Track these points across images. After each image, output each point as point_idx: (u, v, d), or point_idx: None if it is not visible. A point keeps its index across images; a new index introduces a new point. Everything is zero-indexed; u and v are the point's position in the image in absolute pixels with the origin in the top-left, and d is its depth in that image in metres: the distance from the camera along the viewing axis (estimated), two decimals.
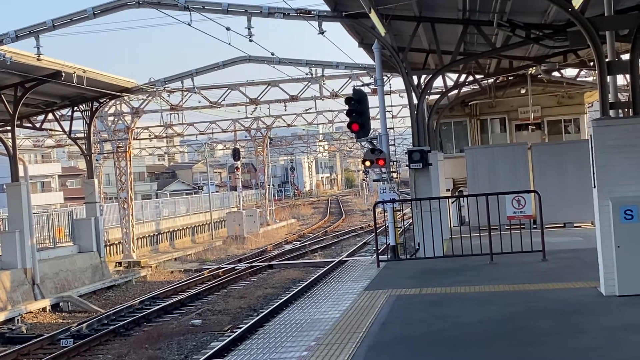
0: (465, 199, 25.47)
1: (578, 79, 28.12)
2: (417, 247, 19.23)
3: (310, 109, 45.87)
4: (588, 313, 10.51)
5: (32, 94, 25.89)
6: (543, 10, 17.10)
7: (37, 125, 31.90)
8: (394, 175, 20.25)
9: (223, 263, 35.72)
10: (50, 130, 42.89)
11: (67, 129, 31.82)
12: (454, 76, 26.12)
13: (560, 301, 11.43)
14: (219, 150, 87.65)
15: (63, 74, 24.35)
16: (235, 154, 54.97)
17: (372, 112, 23.18)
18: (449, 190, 27.64)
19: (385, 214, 19.97)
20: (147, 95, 34.97)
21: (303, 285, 24.75)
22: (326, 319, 11.57)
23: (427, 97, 23.58)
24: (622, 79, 25.38)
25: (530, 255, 16.28)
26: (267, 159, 60.73)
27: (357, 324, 10.80)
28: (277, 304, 21.35)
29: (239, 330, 17.75)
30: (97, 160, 41.06)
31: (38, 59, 22.18)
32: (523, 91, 27.73)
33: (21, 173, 26.23)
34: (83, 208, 33.84)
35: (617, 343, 8.76)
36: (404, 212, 23.88)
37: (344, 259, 31.40)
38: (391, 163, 19.53)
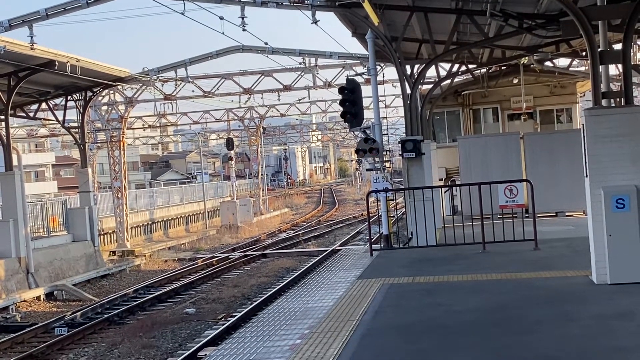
0: (457, 188, 25.58)
1: (570, 68, 28.14)
2: (410, 236, 19.30)
3: (304, 98, 45.77)
4: (579, 301, 10.59)
5: (25, 83, 25.83)
6: (536, 0, 17.14)
7: (31, 114, 31.87)
8: (387, 164, 20.28)
9: (217, 252, 35.75)
10: (44, 119, 42.61)
11: (60, 118, 31.75)
12: (447, 66, 26.15)
13: (551, 290, 11.52)
14: (213, 139, 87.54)
15: (56, 63, 24.29)
16: (229, 144, 54.90)
17: (365, 102, 23.13)
18: (441, 179, 27.71)
19: (379, 203, 20.02)
20: (140, 84, 34.86)
21: (296, 274, 24.82)
22: (320, 307, 11.63)
23: (420, 86, 23.64)
24: (614, 69, 25.45)
25: (522, 244, 16.36)
26: (260, 149, 60.68)
27: (351, 312, 10.88)
28: (270, 292, 21.42)
29: (233, 319, 17.83)
30: (90, 149, 41.05)
31: (32, 48, 22.16)
32: (515, 81, 27.78)
33: (15, 162, 26.19)
34: (77, 197, 33.85)
35: (608, 331, 8.84)
36: (397, 201, 23.93)
37: (337, 247, 31.46)
38: (384, 152, 19.57)
